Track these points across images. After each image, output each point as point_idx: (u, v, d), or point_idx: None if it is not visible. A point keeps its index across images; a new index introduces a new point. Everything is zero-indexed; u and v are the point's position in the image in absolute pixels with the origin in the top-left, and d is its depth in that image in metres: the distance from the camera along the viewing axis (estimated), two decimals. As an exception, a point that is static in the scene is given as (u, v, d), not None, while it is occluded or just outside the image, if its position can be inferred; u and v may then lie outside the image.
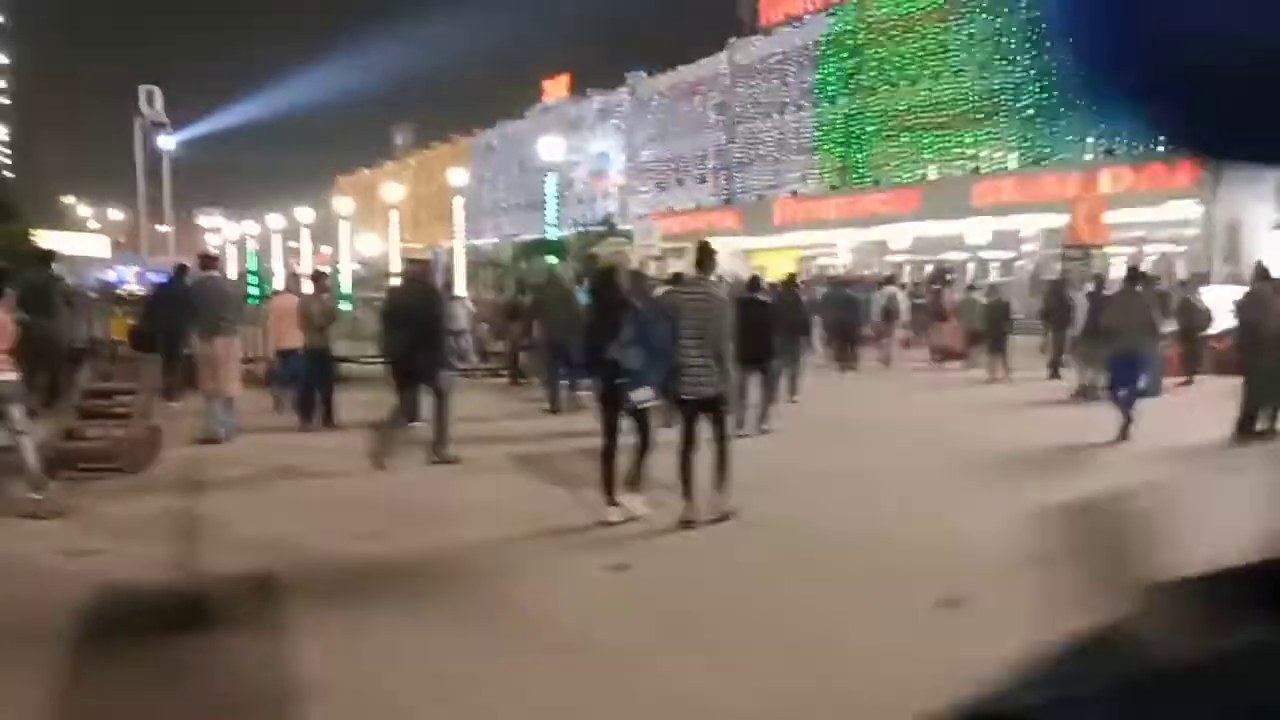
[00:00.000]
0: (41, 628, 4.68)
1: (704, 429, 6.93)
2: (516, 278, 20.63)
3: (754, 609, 5.18)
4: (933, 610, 5.11)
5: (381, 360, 9.77)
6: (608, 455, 6.91)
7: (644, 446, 6.93)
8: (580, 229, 32.10)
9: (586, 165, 56.50)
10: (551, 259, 21.07)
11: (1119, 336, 10.99)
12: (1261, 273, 11.90)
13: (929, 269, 35.40)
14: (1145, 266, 28.08)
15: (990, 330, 17.13)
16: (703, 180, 48.55)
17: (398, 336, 9.11)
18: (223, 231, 51.44)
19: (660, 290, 8.95)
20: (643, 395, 6.75)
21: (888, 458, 9.64)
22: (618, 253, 22.91)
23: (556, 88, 61.50)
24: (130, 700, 3.99)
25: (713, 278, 7.40)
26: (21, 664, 4.32)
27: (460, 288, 20.48)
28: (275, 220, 47.49)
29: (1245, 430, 10.45)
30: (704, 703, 3.99)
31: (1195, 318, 16.14)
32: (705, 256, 7.18)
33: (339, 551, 6.22)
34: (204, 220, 59.68)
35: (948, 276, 27.35)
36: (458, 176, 29.17)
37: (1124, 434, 10.32)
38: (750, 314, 9.49)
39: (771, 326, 10.65)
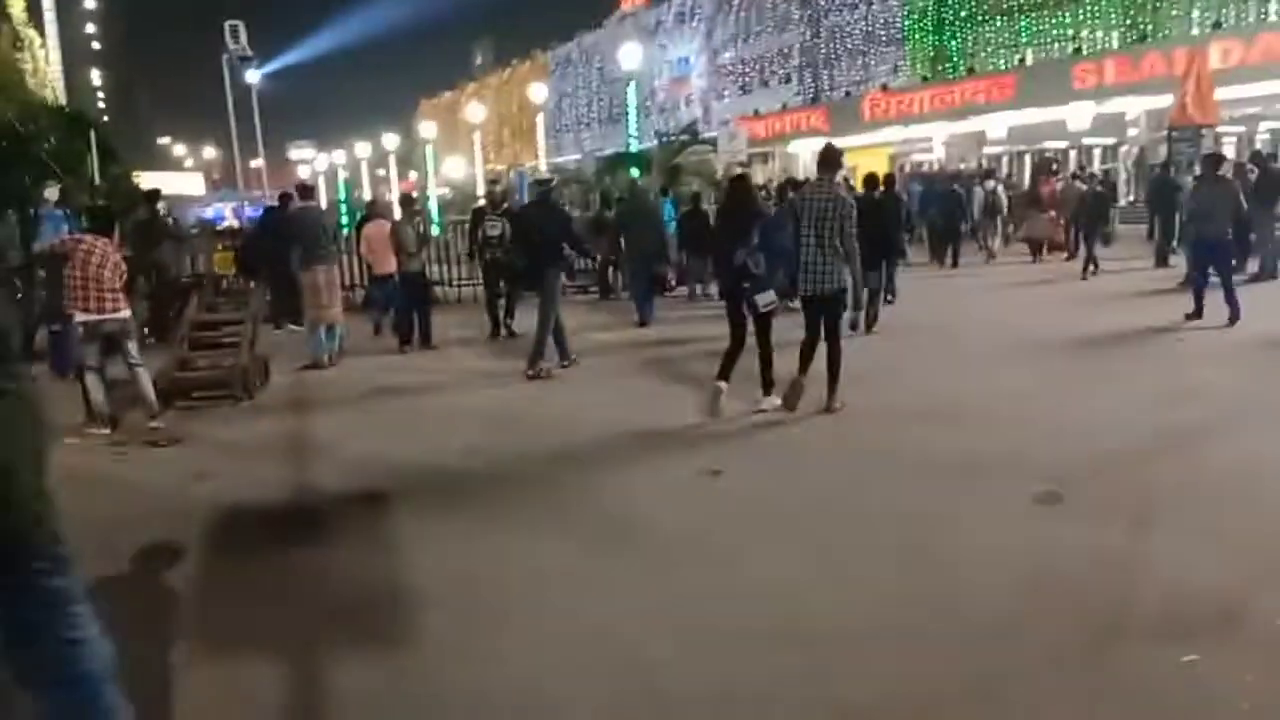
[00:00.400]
0: (172, 545, 4.97)
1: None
2: (600, 193, 20.53)
3: (853, 510, 5.19)
4: (1031, 507, 5.06)
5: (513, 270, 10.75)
6: (731, 353, 7.32)
7: (765, 349, 7.33)
8: (664, 139, 31.62)
9: (667, 72, 55.51)
10: (634, 172, 20.88)
11: (1202, 223, 10.67)
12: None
13: (1032, 160, 34.12)
14: (1260, 145, 26.76)
15: (1086, 220, 16.43)
16: (787, 80, 47.24)
17: (525, 249, 9.81)
18: (314, 162, 52.34)
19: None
20: (766, 299, 7.10)
21: (984, 357, 9.47)
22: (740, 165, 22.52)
23: (636, -7, 60.19)
24: (253, 607, 4.24)
25: (837, 179, 7.53)
26: (155, 578, 4.61)
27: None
28: (363, 149, 48.15)
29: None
30: (801, 601, 4.04)
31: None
32: (830, 158, 7.33)
33: (445, 465, 6.42)
34: (295, 153, 60.79)
35: (1054, 166, 26.30)
36: (538, 93, 28.96)
37: (1231, 319, 10.13)
38: (871, 214, 9.60)
39: (892, 227, 10.84)
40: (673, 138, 31.10)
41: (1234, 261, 11.43)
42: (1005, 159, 35.05)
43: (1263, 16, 26.87)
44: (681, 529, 4.97)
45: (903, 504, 5.20)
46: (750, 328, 7.36)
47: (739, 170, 11.53)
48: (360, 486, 5.92)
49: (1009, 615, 3.81)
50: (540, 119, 34.39)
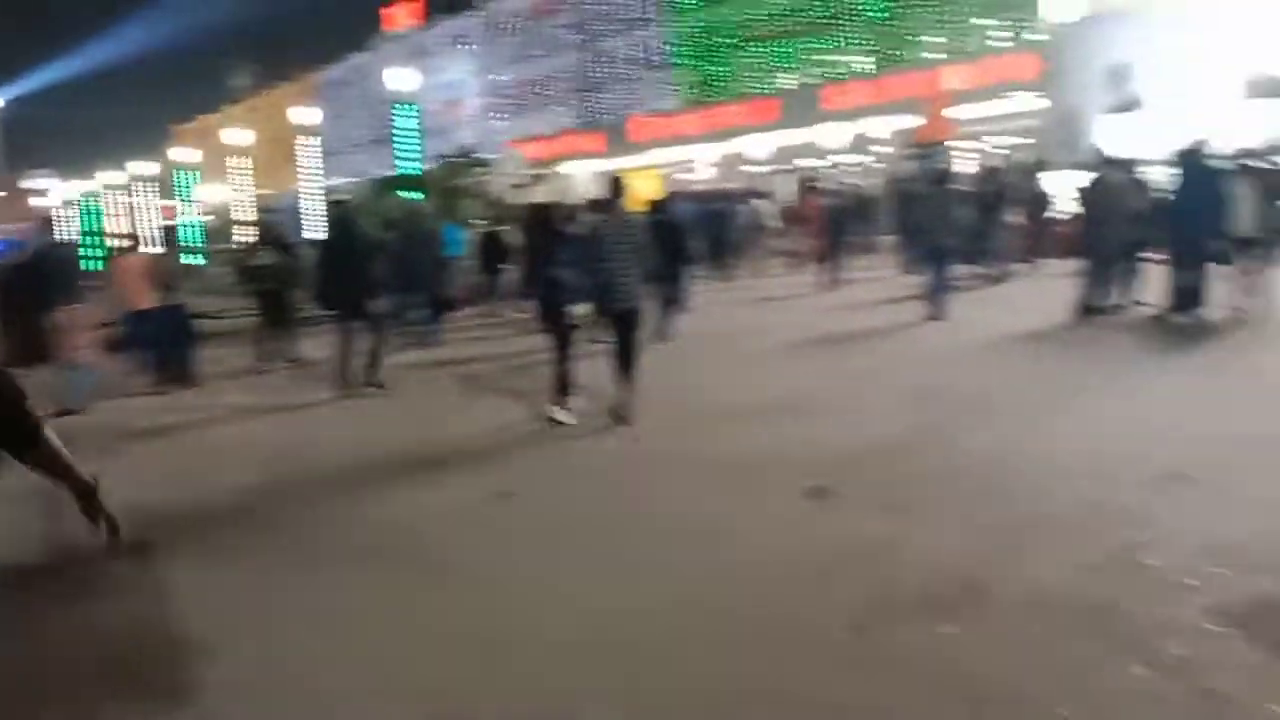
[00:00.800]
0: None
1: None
2: (377, 217, 20.10)
3: (642, 518, 5.32)
4: (801, 501, 5.36)
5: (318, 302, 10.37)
6: (558, 364, 7.78)
7: (564, 362, 7.82)
8: (441, 160, 31.28)
9: (440, 94, 54.93)
10: (408, 195, 20.57)
11: (930, 233, 12.20)
12: (1104, 158, 12.53)
13: (798, 179, 35.98)
14: (992, 158, 29.38)
15: (832, 233, 17.38)
16: (562, 103, 47.83)
17: (330, 277, 9.80)
18: (53, 193, 48.41)
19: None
20: (579, 310, 7.66)
21: (759, 363, 9.94)
22: (540, 185, 22.57)
23: (401, 15, 59.28)
24: (15, 666, 3.89)
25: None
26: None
27: (316, 231, 19.87)
28: (114, 176, 45.00)
29: (1086, 309, 11.13)
30: (603, 620, 4.11)
31: (1039, 203, 16.87)
32: (618, 187, 7.97)
33: (215, 507, 6.09)
34: (32, 183, 55.96)
35: (815, 183, 27.85)
36: (306, 115, 28.02)
37: (937, 316, 11.64)
38: (660, 234, 9.95)
39: (681, 245, 11.65)
40: (451, 158, 30.84)
41: (966, 265, 12.76)
42: (778, 179, 36.85)
43: (989, 43, 29.56)
44: (473, 553, 4.95)
45: (687, 508, 5.39)
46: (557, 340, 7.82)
47: (538, 193, 12.41)
48: (125, 536, 5.52)
49: (786, 607, 4.03)
50: (307, 142, 33.25)
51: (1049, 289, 13.33)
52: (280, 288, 11.99)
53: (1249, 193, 10.63)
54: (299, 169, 30.26)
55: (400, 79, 24.66)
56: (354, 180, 49.67)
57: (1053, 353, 9.58)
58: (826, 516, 5.13)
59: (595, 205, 8.83)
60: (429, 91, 51.52)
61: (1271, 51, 18.65)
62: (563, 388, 7.76)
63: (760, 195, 24.11)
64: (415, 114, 23.96)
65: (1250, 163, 11.23)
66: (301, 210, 27.83)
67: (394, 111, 24.63)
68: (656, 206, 12.44)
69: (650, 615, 4.04)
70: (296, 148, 29.94)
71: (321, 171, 32.71)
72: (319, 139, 34.51)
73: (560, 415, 7.65)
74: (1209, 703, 3.08)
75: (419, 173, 25.32)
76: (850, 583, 4.20)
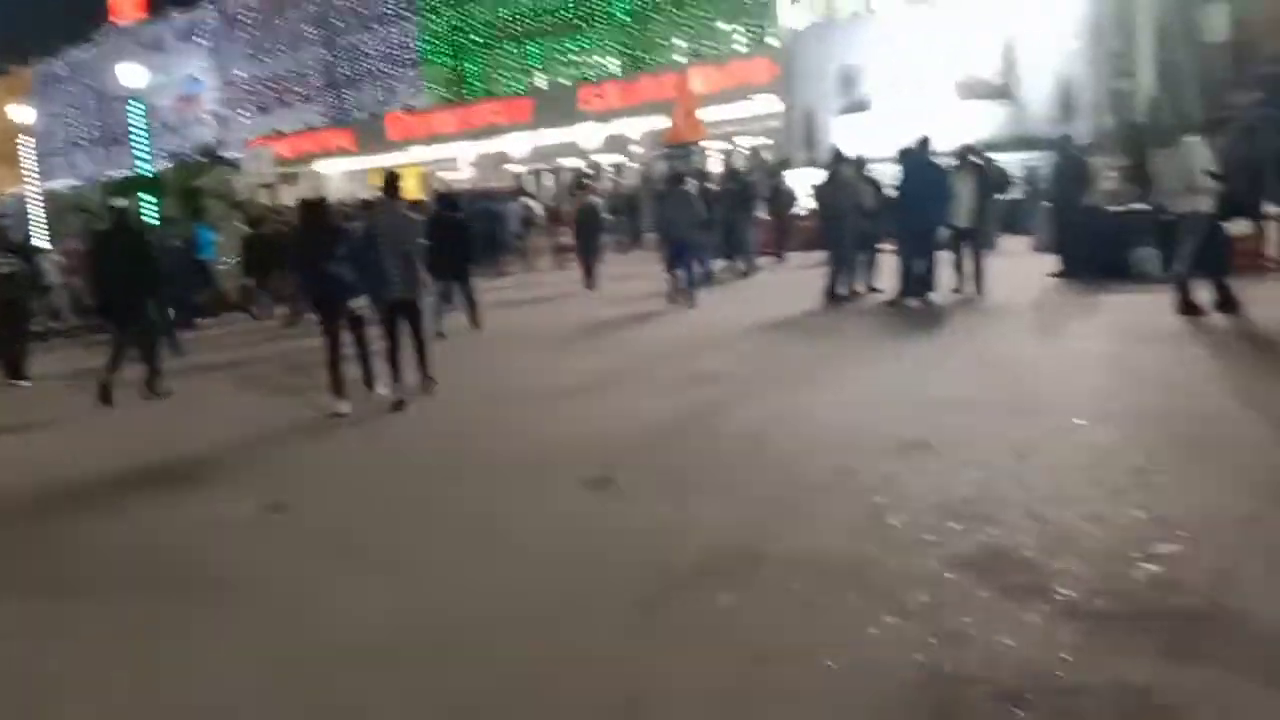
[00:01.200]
0: None
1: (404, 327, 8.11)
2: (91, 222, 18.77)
3: (428, 516, 5.34)
4: (583, 490, 5.55)
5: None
6: (333, 361, 7.97)
7: (365, 347, 8.19)
8: (181, 160, 29.34)
9: (173, 90, 51.46)
10: (145, 197, 19.23)
11: (670, 228, 13.19)
12: (836, 156, 13.51)
13: (557, 178, 36.38)
14: (736, 158, 30.84)
15: (587, 234, 17.69)
16: (309, 99, 45.99)
17: (105, 284, 9.45)
18: None
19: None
20: (359, 303, 7.95)
21: (534, 356, 10.08)
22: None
23: (128, 6, 54.99)
24: None
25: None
26: None
27: (43, 239, 18.26)
28: None
29: (832, 297, 12.01)
30: (392, 623, 4.11)
31: (783, 200, 17.93)
32: (393, 184, 8.33)
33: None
34: None
35: (584, 181, 28.34)
36: (21, 113, 25.60)
37: (690, 303, 12.70)
38: (442, 230, 10.86)
39: (464, 241, 12.00)
40: (190, 158, 29.01)
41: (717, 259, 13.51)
42: (551, 177, 37.09)
43: (732, 47, 30.99)
44: (250, 568, 4.81)
45: (470, 506, 5.46)
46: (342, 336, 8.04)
47: (292, 192, 12.71)
48: None
49: (575, 593, 4.20)
50: (26, 141, 30.27)
51: (796, 280, 14.28)
52: (18, 296, 11.18)
53: (967, 187, 11.81)
54: (23, 171, 27.59)
55: (129, 74, 22.91)
56: (77, 184, 45.77)
57: (803, 338, 10.29)
58: (607, 504, 5.34)
59: (369, 203, 9.10)
60: (162, 88, 48.21)
61: (981, 57, 20.67)
62: (339, 382, 7.94)
63: (528, 194, 24.26)
64: (143, 111, 22.35)
65: (968, 159, 12.47)
66: (29, 214, 25.37)
67: (129, 109, 22.92)
68: (442, 202, 13.08)
69: (439, 613, 4.09)
70: (18, 148, 27.30)
71: (38, 173, 29.89)
72: (39, 138, 31.56)
73: (340, 407, 7.83)
74: (951, 642, 3.49)
75: (153, 174, 23.66)
76: (634, 565, 4.41)
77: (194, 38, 51.20)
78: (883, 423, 6.36)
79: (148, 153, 22.57)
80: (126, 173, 27.40)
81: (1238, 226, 10.77)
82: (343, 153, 40.74)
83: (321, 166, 42.96)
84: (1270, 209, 12.06)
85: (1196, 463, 5.18)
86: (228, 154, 37.15)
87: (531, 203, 22.15)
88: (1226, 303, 9.01)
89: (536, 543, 4.81)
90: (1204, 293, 9.06)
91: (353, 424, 7.61)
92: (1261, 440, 5.45)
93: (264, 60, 47.62)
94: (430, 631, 3.91)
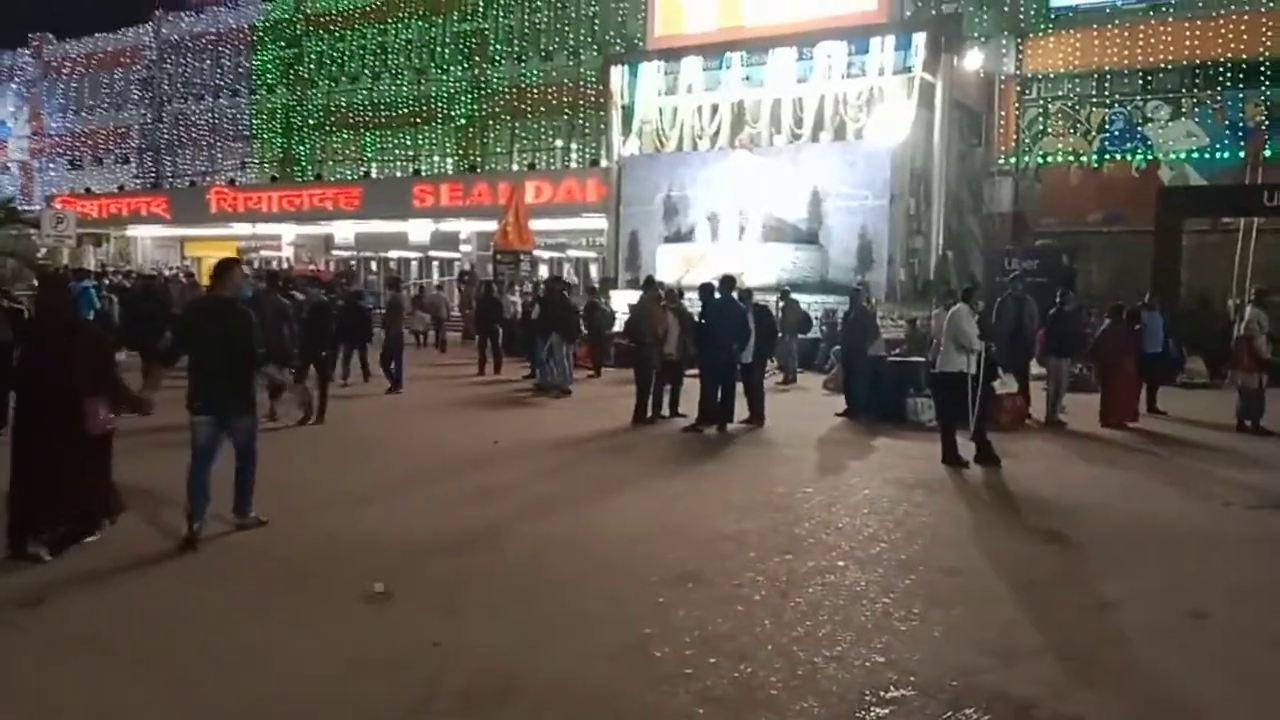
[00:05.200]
0: None
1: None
2: None
3: (200, 635, 5.17)
4: (360, 604, 5.52)
5: None
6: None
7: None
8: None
9: (-25, 134, 48.38)
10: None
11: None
12: (648, 283, 14.14)
13: (382, 267, 36.13)
14: (565, 271, 31.59)
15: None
16: (126, 160, 44.12)
17: None
18: None
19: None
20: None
21: (336, 454, 9.91)
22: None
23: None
24: None
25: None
26: None
27: None
28: None
29: (639, 417, 12.40)
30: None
31: (600, 318, 18.45)
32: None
33: None
34: None
35: (465, 276, 28.54)
36: None
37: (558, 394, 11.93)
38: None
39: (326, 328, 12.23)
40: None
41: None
42: (355, 263, 36.66)
43: (566, 164, 31.96)
44: (-16, 669, 4.53)
45: (240, 618, 5.32)
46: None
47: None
48: None
49: (342, 699, 4.18)
50: None
51: (609, 396, 14.67)
52: None
53: (765, 325, 12.59)
54: None
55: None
56: None
57: (602, 456, 10.56)
58: (383, 619, 5.32)
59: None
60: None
61: (792, 203, 22.13)
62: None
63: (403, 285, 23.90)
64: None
65: (778, 297, 13.31)
66: None
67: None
68: (324, 286, 13.62)
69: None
70: None
71: None
72: None
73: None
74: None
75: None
76: (400, 684, 4.43)
77: (9, 81, 48.44)
78: (663, 550, 6.63)
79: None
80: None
81: (1004, 385, 11.90)
82: (155, 218, 39.21)
83: (133, 230, 41.14)
84: (1034, 370, 13.40)
85: (939, 609, 5.64)
86: (29, 208, 35.10)
87: (403, 295, 21.56)
88: (986, 456, 9.87)
89: (306, 666, 4.73)
90: (968, 445, 9.90)
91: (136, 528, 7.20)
92: (998, 596, 5.98)
93: (82, 115, 45.50)
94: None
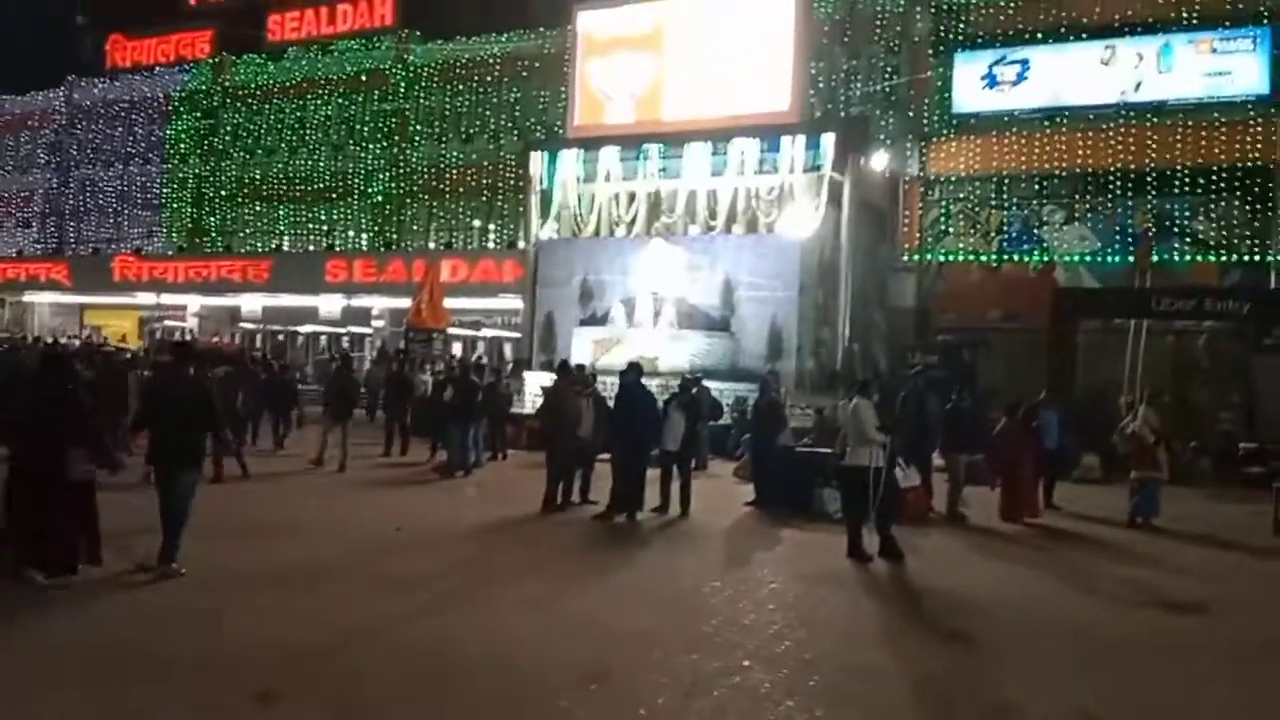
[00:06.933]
0: None
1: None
2: None
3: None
4: (248, 706, 5.30)
5: None
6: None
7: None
8: None
9: None
10: None
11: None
12: (561, 367, 14.14)
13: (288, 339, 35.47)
14: (480, 350, 31.49)
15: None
16: (27, 225, 42.77)
17: None
18: None
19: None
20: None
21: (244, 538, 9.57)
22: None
23: None
24: None
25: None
26: None
27: None
28: None
29: (549, 505, 12.26)
30: None
31: (500, 399, 18.26)
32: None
33: None
34: None
35: (351, 354, 28.14)
36: None
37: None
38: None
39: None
40: None
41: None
42: (260, 337, 35.93)
43: (484, 245, 32.01)
44: None
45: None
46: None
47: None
48: None
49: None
50: None
51: (516, 480, 14.52)
52: None
53: (680, 413, 12.64)
54: None
55: None
56: None
57: (511, 546, 10.39)
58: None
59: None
60: None
61: (704, 291, 22.50)
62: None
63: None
64: None
65: (685, 387, 13.41)
66: None
67: None
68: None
69: None
70: None
71: None
72: None
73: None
74: None
75: None
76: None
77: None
78: (568, 648, 6.53)
79: None
80: None
81: (906, 477, 12.12)
82: (55, 286, 38.01)
83: (30, 296, 39.79)
84: (936, 462, 13.69)
85: (843, 711, 5.66)
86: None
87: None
88: (890, 551, 10.00)
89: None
90: (872, 539, 10.03)
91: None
92: (901, 698, 6.02)
93: (-20, 176, 44.13)
94: None
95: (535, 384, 20.35)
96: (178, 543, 8.01)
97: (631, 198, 25.33)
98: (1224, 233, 22.90)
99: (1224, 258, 22.76)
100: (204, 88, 37.91)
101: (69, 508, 7.47)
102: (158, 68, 39.50)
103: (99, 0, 40.87)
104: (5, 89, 42.98)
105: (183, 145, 38.38)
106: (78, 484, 7.55)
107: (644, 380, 12.70)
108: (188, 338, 33.67)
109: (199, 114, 38.01)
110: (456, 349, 31.21)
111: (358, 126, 34.93)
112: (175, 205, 38.46)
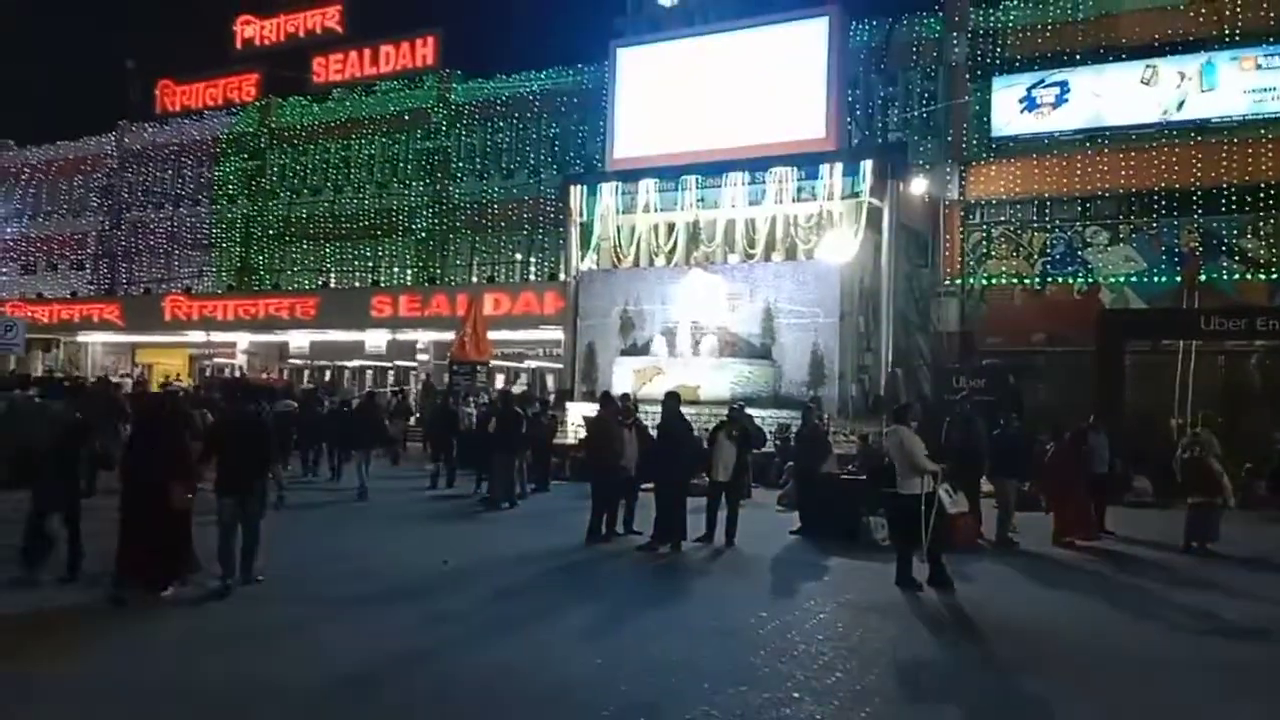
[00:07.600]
0: None
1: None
2: None
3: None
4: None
5: None
6: None
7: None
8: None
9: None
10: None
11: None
12: (604, 399, 14.18)
13: (334, 373, 35.98)
14: (522, 381, 31.70)
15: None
16: (81, 267, 43.82)
17: None
18: None
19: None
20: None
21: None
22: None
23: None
24: None
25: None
26: None
27: None
28: None
29: (594, 536, 12.29)
30: None
31: (543, 431, 18.33)
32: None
33: None
34: None
35: (404, 388, 28.68)
36: None
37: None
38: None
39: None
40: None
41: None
42: (307, 372, 36.46)
43: (525, 278, 32.32)
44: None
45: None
46: None
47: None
48: None
49: None
50: None
51: (560, 511, 14.57)
52: None
53: (730, 443, 12.58)
54: None
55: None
56: None
57: (556, 578, 10.43)
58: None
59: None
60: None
61: (745, 319, 22.55)
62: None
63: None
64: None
65: (732, 416, 13.39)
66: None
67: None
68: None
69: None
70: None
71: None
72: None
73: None
74: None
75: None
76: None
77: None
78: (615, 680, 6.54)
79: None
80: None
81: (955, 504, 11.99)
82: (108, 326, 38.89)
83: (84, 336, 40.71)
84: (985, 488, 13.53)
85: (892, 742, 5.61)
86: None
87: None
88: (940, 579, 9.89)
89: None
90: (921, 566, 9.93)
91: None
92: (948, 724, 5.97)
93: (39, 220, 45.34)
94: None
95: (577, 414, 20.43)
96: (254, 560, 9.07)
97: (670, 228, 25.50)
98: (1273, 250, 22.53)
99: (1273, 275, 22.37)
100: (251, 129, 38.78)
101: (170, 532, 8.45)
102: (206, 111, 40.47)
103: (149, 47, 42.09)
104: (59, 134, 44.29)
105: (230, 186, 39.24)
106: (178, 513, 8.51)
107: (684, 410, 12.72)
108: (238, 374, 34.30)
109: (246, 155, 38.85)
110: (499, 381, 31.43)
111: (401, 164, 35.55)
112: (224, 245, 39.28)
